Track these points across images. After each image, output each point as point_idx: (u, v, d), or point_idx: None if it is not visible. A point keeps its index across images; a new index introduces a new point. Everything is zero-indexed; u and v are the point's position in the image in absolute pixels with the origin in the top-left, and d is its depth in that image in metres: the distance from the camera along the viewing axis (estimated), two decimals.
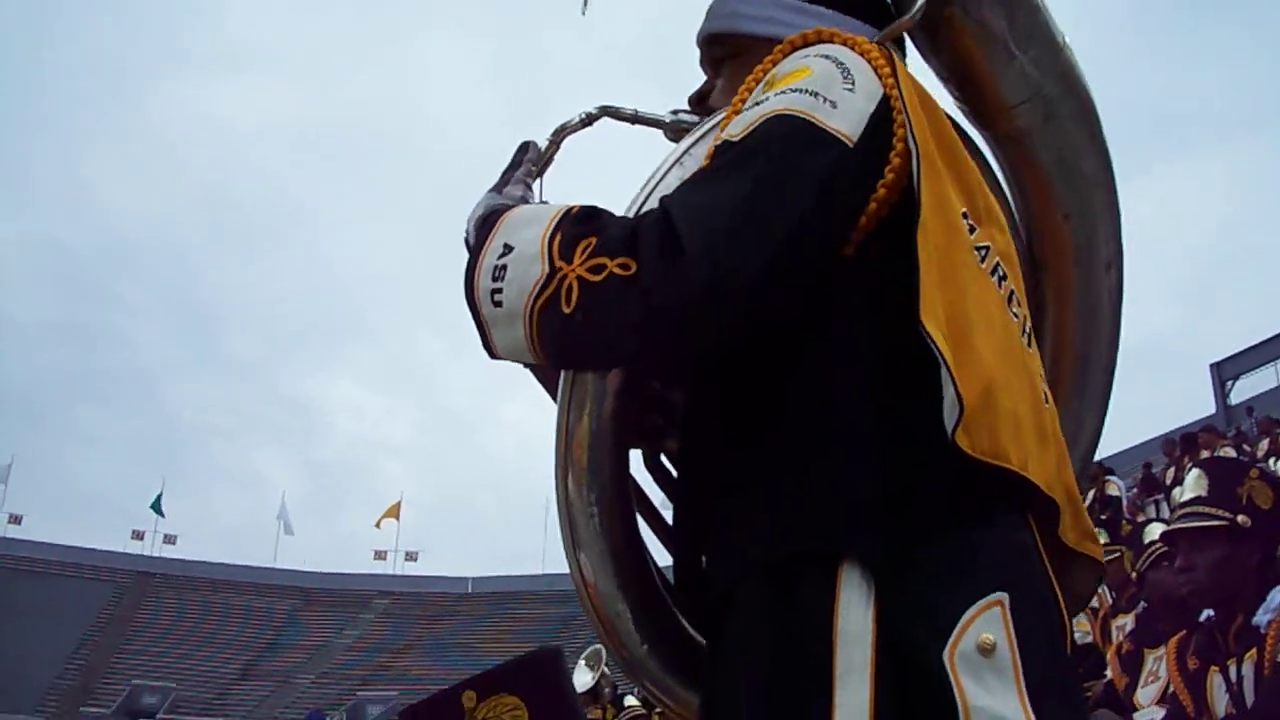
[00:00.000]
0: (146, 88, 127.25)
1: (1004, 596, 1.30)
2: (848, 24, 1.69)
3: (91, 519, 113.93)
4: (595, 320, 1.37)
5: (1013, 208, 1.90)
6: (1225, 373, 36.83)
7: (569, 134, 1.83)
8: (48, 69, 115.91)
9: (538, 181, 1.77)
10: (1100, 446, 2.15)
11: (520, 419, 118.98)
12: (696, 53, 1.92)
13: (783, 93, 1.46)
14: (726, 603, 1.45)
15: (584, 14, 1.90)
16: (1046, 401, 1.54)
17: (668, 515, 1.74)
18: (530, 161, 1.75)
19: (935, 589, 1.30)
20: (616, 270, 1.34)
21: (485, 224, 1.55)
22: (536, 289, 1.40)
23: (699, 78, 1.92)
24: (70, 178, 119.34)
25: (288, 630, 50.68)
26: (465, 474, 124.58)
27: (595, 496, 1.61)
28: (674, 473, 1.78)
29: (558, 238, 1.41)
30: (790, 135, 1.41)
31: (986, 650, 1.25)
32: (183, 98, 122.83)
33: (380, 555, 58.09)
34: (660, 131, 1.88)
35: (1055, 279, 1.94)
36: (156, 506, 54.87)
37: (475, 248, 1.53)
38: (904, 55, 1.78)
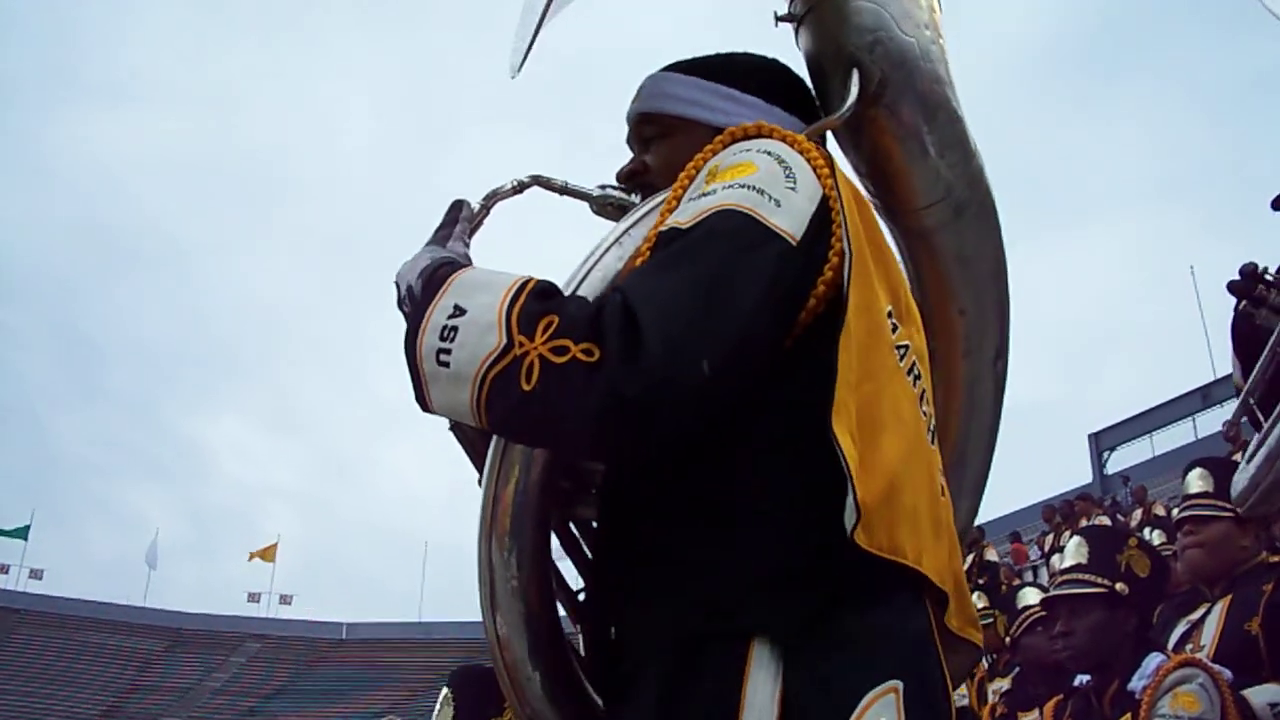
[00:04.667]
0: (34, 114, 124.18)
1: (899, 684, 1.33)
2: (774, 115, 1.74)
3: None
4: (553, 402, 1.35)
5: None
6: (1103, 443, 37.77)
7: (500, 200, 1.83)
8: None
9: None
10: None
11: (400, 464, 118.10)
12: (623, 129, 1.93)
13: (730, 187, 1.49)
14: (634, 673, 1.46)
15: (513, 78, 1.88)
16: (943, 494, 1.59)
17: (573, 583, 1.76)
18: (465, 219, 1.75)
19: (838, 668, 1.33)
20: (580, 355, 1.33)
21: (434, 279, 1.53)
22: (491, 358, 1.38)
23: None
24: None
25: (154, 671, 49.20)
26: (345, 518, 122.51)
27: (516, 561, 1.61)
28: (582, 542, 1.79)
29: (516, 310, 1.40)
30: (738, 231, 1.43)
31: None
32: (71, 126, 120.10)
33: (254, 597, 56.77)
34: (586, 204, 1.90)
35: (944, 371, 2.00)
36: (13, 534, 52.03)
37: (422, 302, 1.51)
38: (824, 147, 1.81)
